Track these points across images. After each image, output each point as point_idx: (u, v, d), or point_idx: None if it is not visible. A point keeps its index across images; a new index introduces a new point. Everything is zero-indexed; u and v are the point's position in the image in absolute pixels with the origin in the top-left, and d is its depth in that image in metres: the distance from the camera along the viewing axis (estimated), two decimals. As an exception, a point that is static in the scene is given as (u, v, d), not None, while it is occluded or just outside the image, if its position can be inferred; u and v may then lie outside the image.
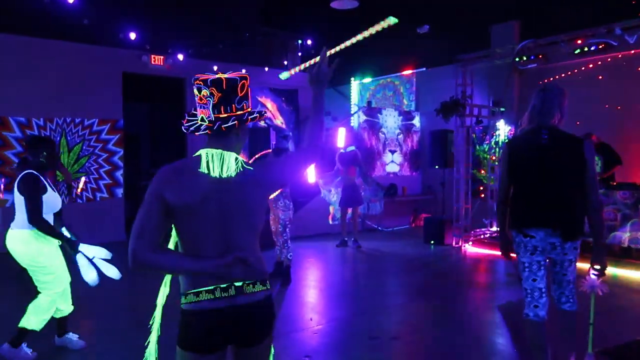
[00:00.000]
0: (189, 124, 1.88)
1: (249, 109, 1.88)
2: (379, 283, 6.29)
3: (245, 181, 1.79)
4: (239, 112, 1.81)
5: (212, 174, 1.76)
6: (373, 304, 5.25)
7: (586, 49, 6.41)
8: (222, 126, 1.76)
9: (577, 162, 2.85)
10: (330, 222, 9.53)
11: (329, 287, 6.07)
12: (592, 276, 2.93)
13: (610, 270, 6.34)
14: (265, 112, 1.84)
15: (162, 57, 9.30)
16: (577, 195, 2.87)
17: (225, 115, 1.78)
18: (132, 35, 8.80)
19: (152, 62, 9.23)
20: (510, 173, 3.06)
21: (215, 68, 9.84)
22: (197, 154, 1.84)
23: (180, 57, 9.38)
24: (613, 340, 3.94)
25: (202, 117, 1.82)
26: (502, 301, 5.25)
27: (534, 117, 3.02)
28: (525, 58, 7.15)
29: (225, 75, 1.81)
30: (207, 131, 1.79)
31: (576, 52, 6.55)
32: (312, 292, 5.73)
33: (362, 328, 4.47)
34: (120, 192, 8.98)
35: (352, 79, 12.92)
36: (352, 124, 11.01)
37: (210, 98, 1.78)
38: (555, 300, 3.03)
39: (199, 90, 1.80)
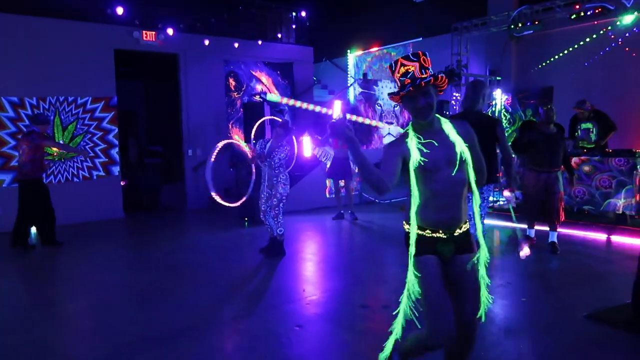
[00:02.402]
0: (400, 89, 2.30)
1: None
2: (373, 254, 6.33)
3: (452, 133, 2.44)
4: (427, 74, 2.33)
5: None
6: (366, 275, 5.29)
7: (582, 14, 6.27)
8: (425, 81, 2.26)
9: (491, 135, 4.34)
10: (327, 195, 9.55)
11: (324, 260, 6.11)
12: (507, 194, 4.37)
13: (604, 237, 6.36)
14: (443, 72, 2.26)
15: (153, 32, 9.18)
16: (490, 156, 4.16)
17: (425, 75, 2.30)
18: (120, 10, 8.68)
19: (144, 38, 9.11)
20: None
21: (206, 42, 9.75)
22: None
23: (170, 31, 9.24)
24: (604, 304, 3.99)
25: (411, 76, 2.32)
26: (491, 267, 5.27)
27: (466, 104, 4.49)
28: (520, 25, 7.01)
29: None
30: (411, 88, 2.27)
31: (572, 17, 6.41)
32: (306, 265, 5.78)
33: (354, 298, 4.52)
34: (116, 170, 8.98)
35: (349, 51, 12.75)
36: (349, 97, 10.92)
37: (418, 70, 2.31)
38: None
39: (404, 65, 2.32)
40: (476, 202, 2.50)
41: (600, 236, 6.44)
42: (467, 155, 2.31)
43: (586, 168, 6.89)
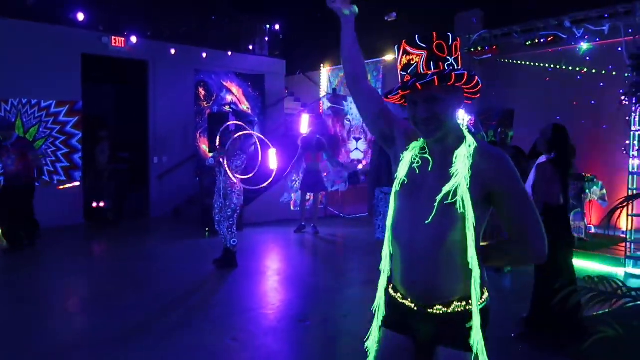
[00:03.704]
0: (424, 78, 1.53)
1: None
2: (330, 267, 6.37)
3: None
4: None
5: None
6: (315, 288, 5.33)
7: (537, 40, 6.48)
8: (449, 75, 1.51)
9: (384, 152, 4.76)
10: (292, 208, 9.58)
11: (277, 272, 6.13)
12: None
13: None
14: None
15: (123, 38, 9.17)
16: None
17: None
18: (80, 16, 8.66)
19: (113, 44, 9.09)
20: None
21: (172, 51, 9.77)
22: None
23: (134, 39, 9.21)
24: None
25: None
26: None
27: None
28: (479, 48, 7.21)
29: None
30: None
31: (527, 43, 6.62)
32: (257, 277, 5.79)
33: (296, 311, 4.55)
34: (78, 175, 8.89)
35: (322, 65, 12.89)
36: (320, 111, 11.02)
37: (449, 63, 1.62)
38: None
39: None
40: (475, 280, 1.53)
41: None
42: (464, 201, 1.48)
43: (539, 190, 7.06)
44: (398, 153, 1.69)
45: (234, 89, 10.87)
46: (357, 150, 11.04)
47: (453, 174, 1.51)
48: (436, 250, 1.52)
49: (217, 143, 6.52)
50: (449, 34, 1.57)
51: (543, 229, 1.53)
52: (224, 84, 10.74)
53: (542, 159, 4.08)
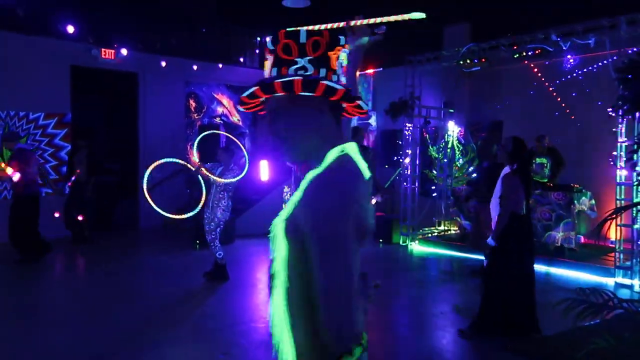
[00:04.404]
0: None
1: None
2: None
3: None
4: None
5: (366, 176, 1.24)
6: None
7: (524, 53, 6.58)
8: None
9: (369, 160, 5.58)
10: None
11: (267, 286, 6.08)
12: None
13: (543, 269, 6.56)
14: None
15: (112, 51, 9.15)
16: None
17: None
18: (70, 29, 8.65)
19: (103, 56, 9.07)
20: None
21: (163, 64, 9.77)
22: (342, 147, 1.24)
23: (124, 51, 9.20)
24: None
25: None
26: (426, 296, 5.37)
27: (355, 139, 5.50)
28: (469, 61, 7.29)
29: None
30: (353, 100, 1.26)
31: (515, 56, 6.72)
32: (248, 290, 5.75)
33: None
34: (66, 187, 8.78)
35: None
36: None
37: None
38: None
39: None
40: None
41: (539, 267, 6.63)
42: (278, 233, 1.21)
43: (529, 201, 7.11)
44: None
45: (225, 100, 10.88)
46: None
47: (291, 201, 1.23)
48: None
49: (196, 153, 6.55)
50: (304, 29, 1.26)
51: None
52: (215, 95, 10.75)
53: (507, 170, 4.23)
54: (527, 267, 4.14)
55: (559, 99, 7.96)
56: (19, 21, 8.28)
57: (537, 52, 6.42)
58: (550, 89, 8.04)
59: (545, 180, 7.43)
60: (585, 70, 7.56)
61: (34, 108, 8.40)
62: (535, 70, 8.20)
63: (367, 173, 1.23)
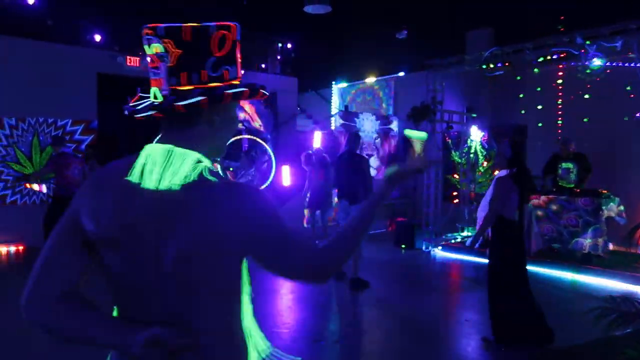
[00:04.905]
0: (136, 103, 1.20)
1: (234, 80, 1.16)
2: (339, 285, 6.32)
3: (197, 202, 1.07)
4: (212, 84, 1.12)
5: (147, 185, 1.09)
6: (328, 307, 5.29)
7: (548, 57, 6.48)
8: (177, 104, 1.09)
9: (360, 168, 5.93)
10: (305, 225, 9.56)
11: (290, 290, 6.10)
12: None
13: (570, 276, 6.43)
14: (264, 88, 1.20)
15: (137, 58, 9.32)
16: (360, 183, 5.80)
17: (189, 87, 1.11)
18: (97, 38, 8.84)
19: (128, 64, 9.25)
20: None
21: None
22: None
23: (149, 58, 9.35)
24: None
25: (154, 92, 1.13)
26: (450, 303, 5.30)
27: (349, 145, 6.12)
28: (492, 65, 7.22)
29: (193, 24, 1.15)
30: (153, 112, 1.12)
31: (539, 60, 6.62)
32: (271, 296, 5.76)
33: (310, 332, 4.51)
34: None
35: (333, 82, 12.98)
36: (332, 128, 11.06)
37: (165, 58, 1.11)
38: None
39: (149, 46, 1.13)
40: None
41: (566, 275, 6.50)
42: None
43: (554, 207, 6.98)
44: None
45: (247, 106, 10.96)
46: (370, 167, 11.02)
47: None
48: None
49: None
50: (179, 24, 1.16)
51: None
52: (237, 101, 10.86)
53: (502, 173, 4.21)
54: (522, 275, 4.09)
55: (584, 103, 7.81)
56: (48, 30, 8.51)
57: (562, 55, 6.31)
58: (576, 92, 7.90)
59: (572, 186, 7.28)
60: (611, 72, 7.41)
61: (62, 115, 8.61)
62: (560, 73, 8.07)
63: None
